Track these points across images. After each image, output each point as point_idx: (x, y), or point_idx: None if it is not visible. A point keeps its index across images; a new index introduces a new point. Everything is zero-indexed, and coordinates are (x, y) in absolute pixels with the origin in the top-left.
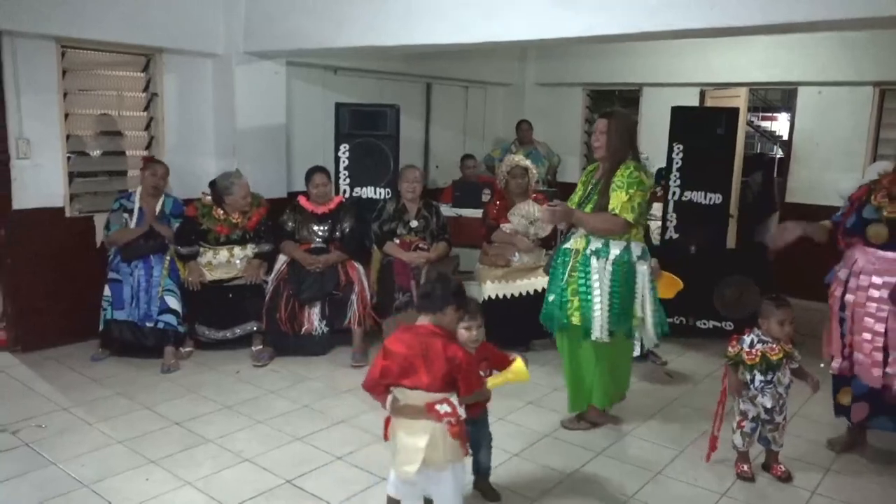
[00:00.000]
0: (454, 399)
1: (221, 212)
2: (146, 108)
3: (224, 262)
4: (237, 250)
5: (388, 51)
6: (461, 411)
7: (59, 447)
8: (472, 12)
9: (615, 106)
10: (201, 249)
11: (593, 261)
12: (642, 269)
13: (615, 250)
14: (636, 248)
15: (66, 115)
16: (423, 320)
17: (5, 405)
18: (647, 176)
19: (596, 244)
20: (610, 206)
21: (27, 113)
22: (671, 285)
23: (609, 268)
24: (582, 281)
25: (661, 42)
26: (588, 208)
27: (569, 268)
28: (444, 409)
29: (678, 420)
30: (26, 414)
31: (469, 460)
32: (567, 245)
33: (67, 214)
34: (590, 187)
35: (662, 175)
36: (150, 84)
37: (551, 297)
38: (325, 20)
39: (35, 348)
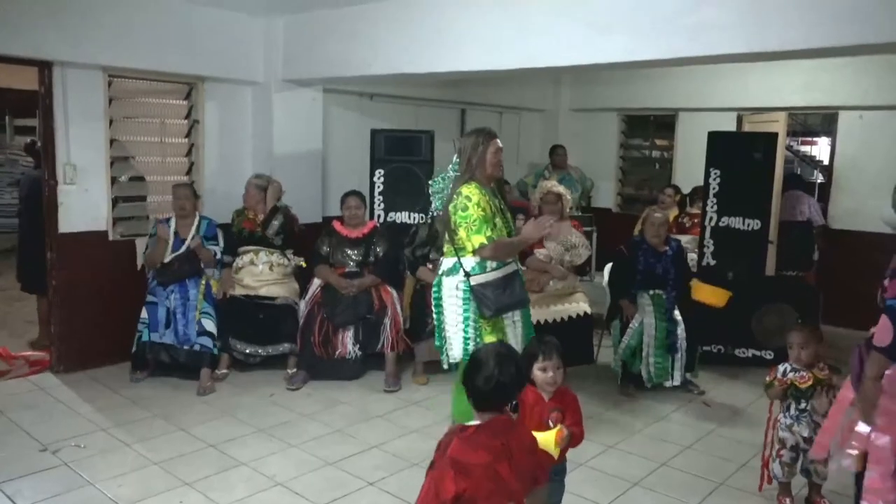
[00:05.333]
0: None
1: (251, 212)
2: (188, 135)
3: (248, 264)
4: (262, 254)
5: (423, 77)
6: None
7: (98, 467)
8: (505, 39)
9: (651, 130)
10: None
11: None
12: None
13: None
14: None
15: (112, 142)
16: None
17: (47, 425)
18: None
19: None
20: None
21: (75, 140)
22: (720, 294)
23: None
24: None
25: (697, 66)
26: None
27: None
28: None
29: (717, 451)
30: (67, 434)
31: None
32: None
33: (110, 238)
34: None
35: (697, 196)
36: (191, 111)
37: None
38: (361, 48)
39: (77, 369)
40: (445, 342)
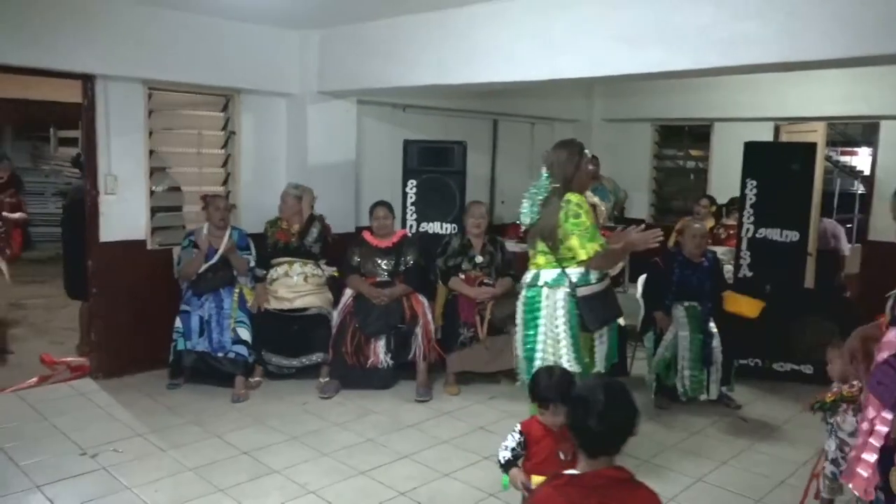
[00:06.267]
0: None
1: (284, 222)
2: (224, 146)
3: (283, 275)
4: (297, 266)
5: (455, 89)
6: None
7: (135, 472)
8: (536, 50)
9: (685, 141)
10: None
11: None
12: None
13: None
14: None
15: (150, 153)
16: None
17: (87, 429)
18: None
19: None
20: None
21: (115, 151)
22: (752, 304)
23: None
24: None
25: (733, 76)
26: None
27: None
28: None
29: (754, 467)
30: (105, 438)
31: None
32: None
33: (148, 247)
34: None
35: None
36: (228, 123)
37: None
38: (395, 61)
39: (116, 375)
40: (535, 356)
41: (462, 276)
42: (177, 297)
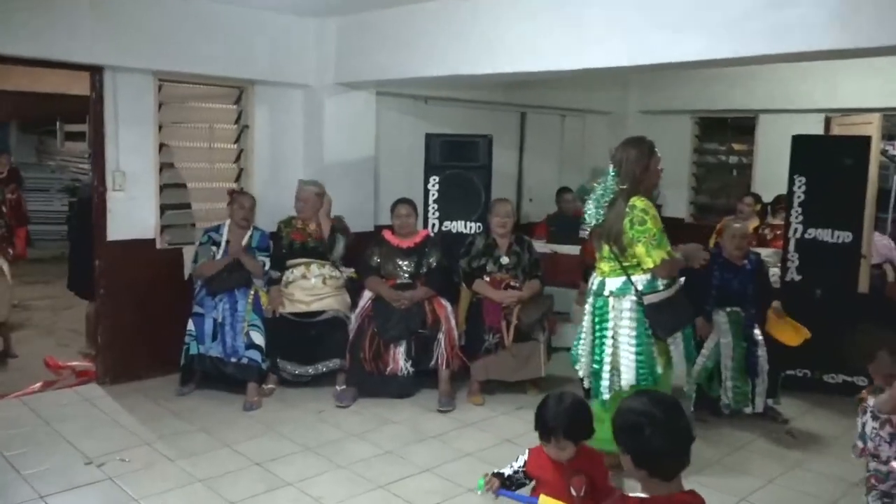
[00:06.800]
0: None
1: (299, 221)
2: (237, 140)
3: (299, 277)
4: (314, 267)
5: (480, 79)
6: None
7: (142, 483)
8: (567, 38)
9: (728, 134)
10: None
11: None
12: None
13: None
14: None
15: (160, 147)
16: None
17: (92, 437)
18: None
19: None
20: None
21: (124, 146)
22: (796, 332)
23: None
24: None
25: (780, 64)
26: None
27: None
28: None
29: (802, 486)
30: (111, 447)
31: None
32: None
33: (158, 246)
34: None
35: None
36: (241, 116)
37: None
38: (417, 50)
39: (123, 380)
40: (602, 367)
41: (487, 279)
42: (187, 298)
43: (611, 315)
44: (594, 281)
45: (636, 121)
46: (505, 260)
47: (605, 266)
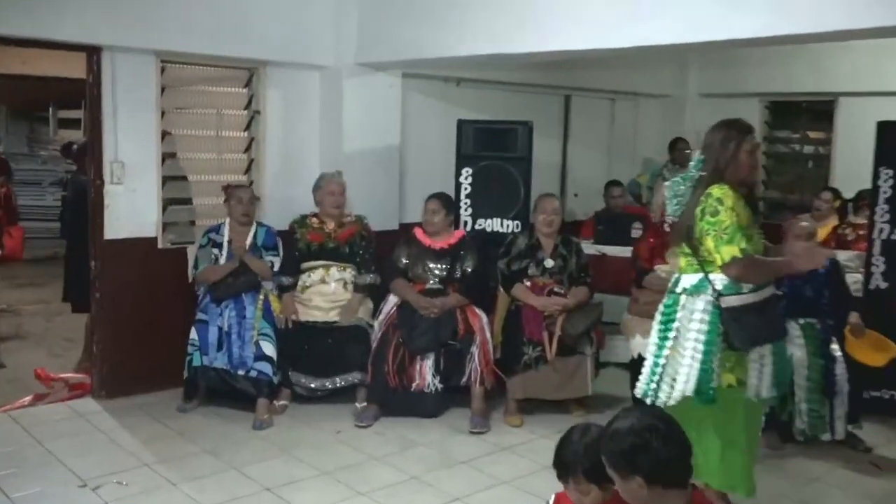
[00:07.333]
0: None
1: (316, 219)
2: (247, 128)
3: (318, 282)
4: (334, 271)
5: (518, 59)
6: None
7: None
8: (617, 13)
9: (802, 120)
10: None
11: None
12: None
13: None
14: None
15: (163, 136)
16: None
17: (87, 457)
18: None
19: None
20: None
21: (123, 134)
22: (881, 349)
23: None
24: None
25: (864, 41)
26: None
27: None
28: None
29: None
30: (108, 469)
31: None
32: None
33: (160, 245)
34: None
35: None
36: (251, 101)
37: None
38: (446, 26)
39: (121, 394)
40: (664, 372)
41: (528, 283)
42: (192, 303)
43: (678, 315)
44: (671, 280)
45: (696, 105)
46: (549, 263)
47: (682, 261)
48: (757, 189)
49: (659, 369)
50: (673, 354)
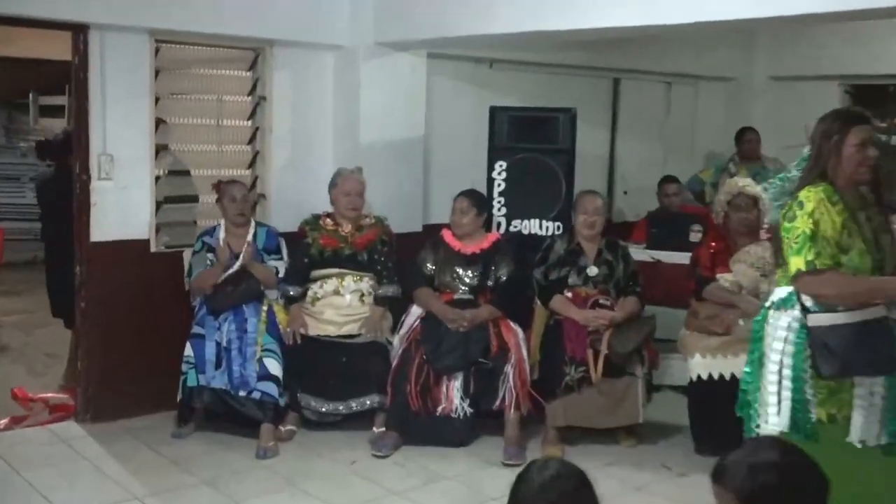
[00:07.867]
0: None
1: (330, 221)
2: (251, 116)
3: (331, 293)
4: (349, 280)
5: (560, 37)
6: None
7: None
8: None
9: (890, 106)
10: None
11: None
12: None
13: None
14: None
15: (157, 125)
16: None
17: (70, 489)
18: None
19: None
20: None
21: (113, 123)
22: None
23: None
24: None
25: None
26: None
27: None
28: None
29: None
30: (93, 501)
31: None
32: None
33: (153, 249)
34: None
35: None
36: (256, 85)
37: None
38: (477, 0)
39: (108, 417)
40: (755, 400)
41: (569, 294)
42: (189, 315)
43: (766, 331)
44: None
45: (765, 89)
46: (593, 270)
47: (778, 272)
48: (882, 188)
49: (748, 396)
50: (754, 379)
